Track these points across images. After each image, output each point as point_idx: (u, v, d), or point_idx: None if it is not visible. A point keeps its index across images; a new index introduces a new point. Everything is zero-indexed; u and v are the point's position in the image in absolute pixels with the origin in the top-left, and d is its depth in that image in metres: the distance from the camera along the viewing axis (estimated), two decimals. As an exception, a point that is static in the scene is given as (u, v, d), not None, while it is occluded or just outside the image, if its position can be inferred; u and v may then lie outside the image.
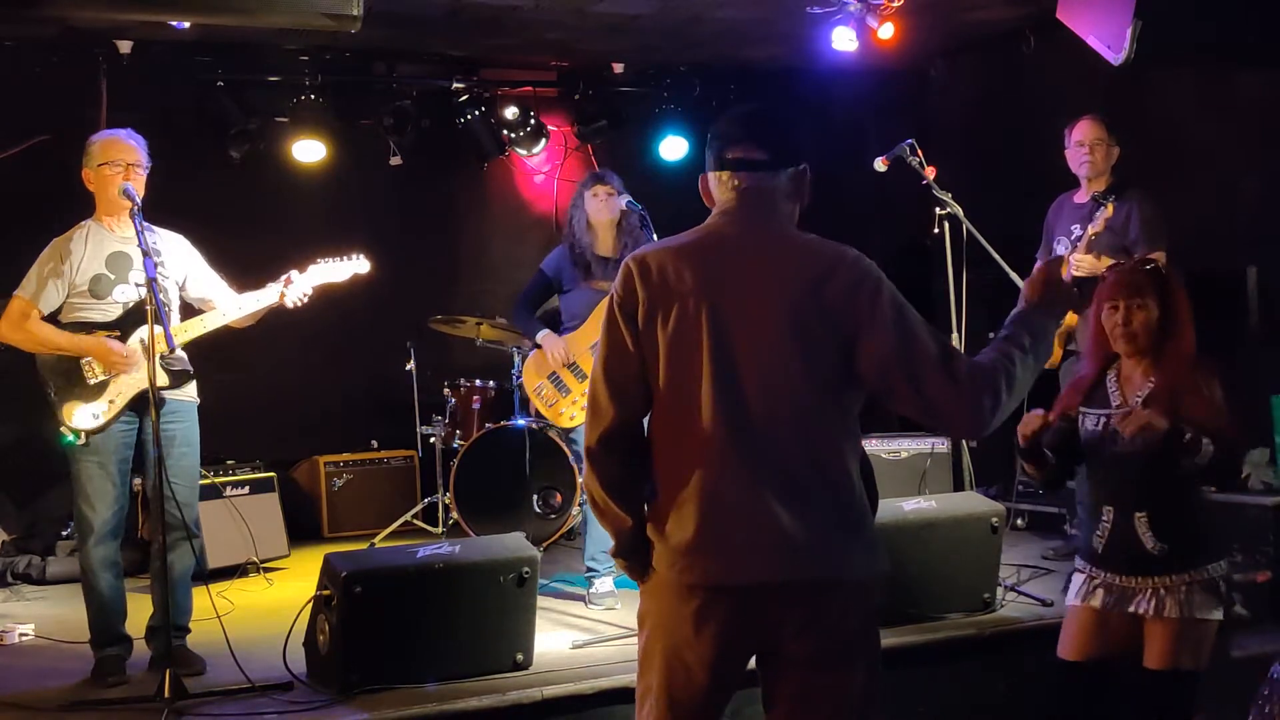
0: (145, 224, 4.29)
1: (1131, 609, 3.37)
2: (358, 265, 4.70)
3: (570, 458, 6.15)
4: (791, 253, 2.62)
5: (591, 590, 5.22)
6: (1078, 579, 3.53)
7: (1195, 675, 3.35)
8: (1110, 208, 5.09)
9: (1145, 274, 3.47)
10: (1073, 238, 5.31)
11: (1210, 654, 3.38)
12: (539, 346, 5.46)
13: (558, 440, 6.21)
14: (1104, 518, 3.43)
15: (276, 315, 4.63)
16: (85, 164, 4.39)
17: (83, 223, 4.43)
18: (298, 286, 4.50)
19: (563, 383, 5.42)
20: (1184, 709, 3.35)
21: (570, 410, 5.42)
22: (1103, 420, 3.44)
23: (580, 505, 6.14)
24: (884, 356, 2.51)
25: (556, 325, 5.56)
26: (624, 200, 5.39)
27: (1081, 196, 5.41)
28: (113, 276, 4.35)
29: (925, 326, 2.57)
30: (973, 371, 2.54)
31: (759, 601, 2.54)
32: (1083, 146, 5.32)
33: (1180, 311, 3.43)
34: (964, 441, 5.50)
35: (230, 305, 4.51)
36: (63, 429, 4.27)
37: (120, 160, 4.34)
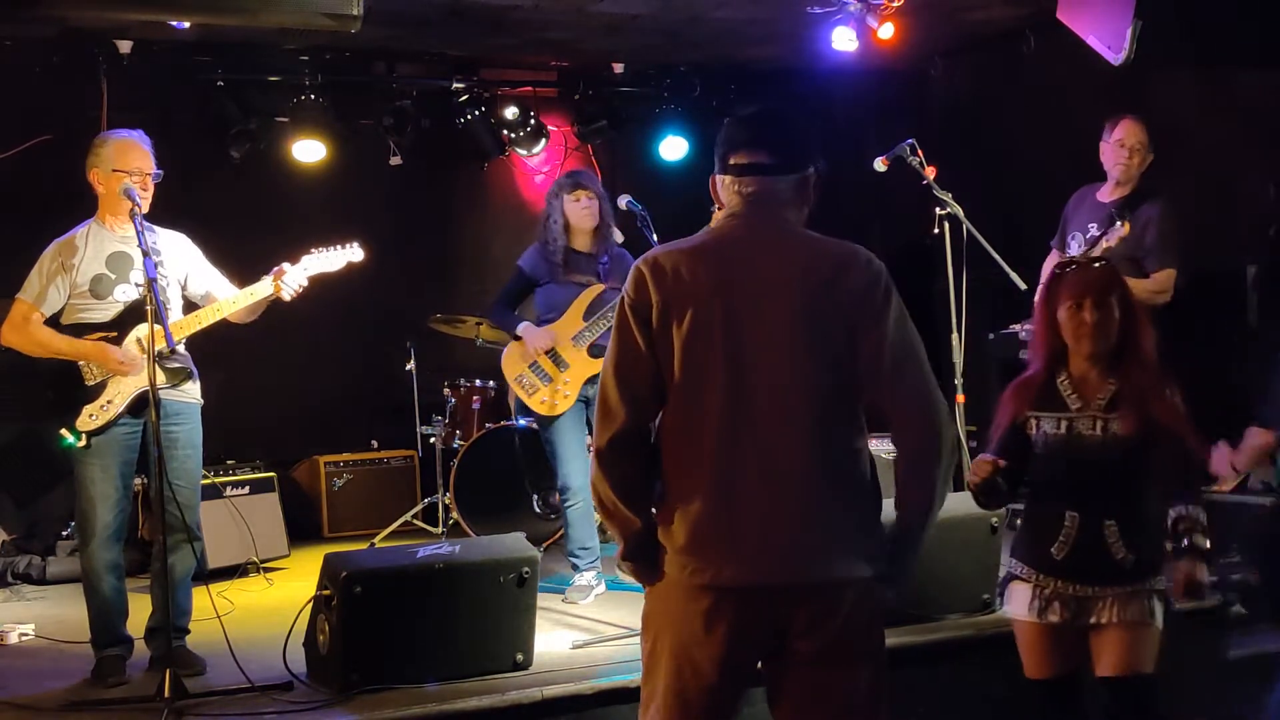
0: (145, 224, 4.28)
1: (1093, 619, 3.26)
2: (351, 254, 4.64)
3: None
4: (804, 253, 2.64)
5: (571, 585, 5.30)
6: (1022, 590, 3.35)
7: (1155, 679, 3.29)
8: (1127, 226, 5.04)
9: (1107, 272, 3.36)
10: (1088, 235, 5.26)
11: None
12: (518, 338, 5.50)
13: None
14: (1066, 524, 3.28)
15: (277, 314, 4.62)
16: (95, 164, 4.36)
17: (84, 223, 4.43)
18: (291, 277, 4.45)
19: (543, 371, 5.42)
20: (1154, 712, 3.29)
21: (551, 398, 5.40)
22: (1063, 423, 3.32)
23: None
24: (878, 351, 2.55)
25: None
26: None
27: (1105, 194, 5.35)
28: (113, 276, 4.35)
29: (920, 344, 2.63)
30: (939, 403, 2.63)
31: (770, 601, 2.55)
32: (1123, 148, 5.24)
33: (1139, 312, 3.34)
34: (964, 442, 5.49)
35: (225, 300, 4.48)
36: (61, 431, 4.26)
37: (139, 170, 4.32)
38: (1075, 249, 5.31)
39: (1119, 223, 5.07)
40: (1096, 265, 3.42)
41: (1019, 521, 3.58)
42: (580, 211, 5.45)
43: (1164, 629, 3.31)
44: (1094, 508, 3.28)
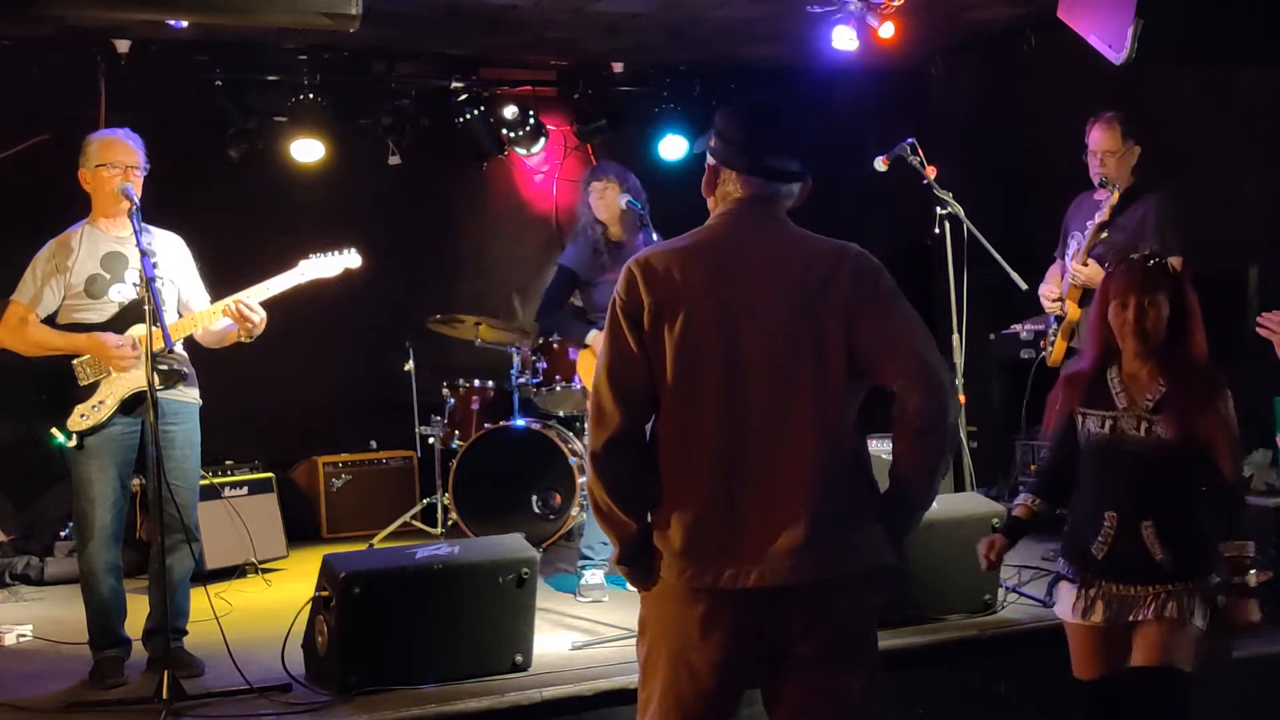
0: (142, 224, 4.27)
1: (1132, 618, 3.25)
2: (349, 260, 4.57)
3: (569, 458, 6.14)
4: (799, 252, 2.62)
5: (582, 581, 5.27)
6: (1067, 591, 3.39)
7: (1188, 676, 3.25)
8: (1116, 194, 5.04)
9: (1157, 269, 3.31)
10: (1086, 233, 5.25)
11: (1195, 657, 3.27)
12: (587, 346, 5.45)
13: (557, 441, 6.20)
14: (1105, 524, 3.29)
15: (275, 314, 4.57)
16: (82, 164, 4.36)
17: (77, 224, 4.41)
18: (249, 301, 4.30)
19: None
20: (1181, 709, 3.26)
21: None
22: (1108, 422, 3.31)
23: (580, 506, 6.13)
24: (872, 332, 2.54)
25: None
26: (624, 200, 5.40)
27: (1101, 194, 5.36)
28: (108, 276, 4.34)
29: (918, 322, 2.60)
30: (942, 376, 2.58)
31: (768, 604, 2.53)
32: (1094, 156, 5.24)
33: (1192, 312, 3.29)
34: (965, 441, 5.48)
35: (219, 304, 4.39)
36: (52, 430, 4.25)
37: (120, 162, 4.31)
38: (1074, 247, 5.30)
39: (1108, 193, 5.06)
40: (1145, 262, 3.35)
41: (1066, 522, 3.55)
42: (601, 201, 5.44)
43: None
44: (1132, 508, 3.26)
